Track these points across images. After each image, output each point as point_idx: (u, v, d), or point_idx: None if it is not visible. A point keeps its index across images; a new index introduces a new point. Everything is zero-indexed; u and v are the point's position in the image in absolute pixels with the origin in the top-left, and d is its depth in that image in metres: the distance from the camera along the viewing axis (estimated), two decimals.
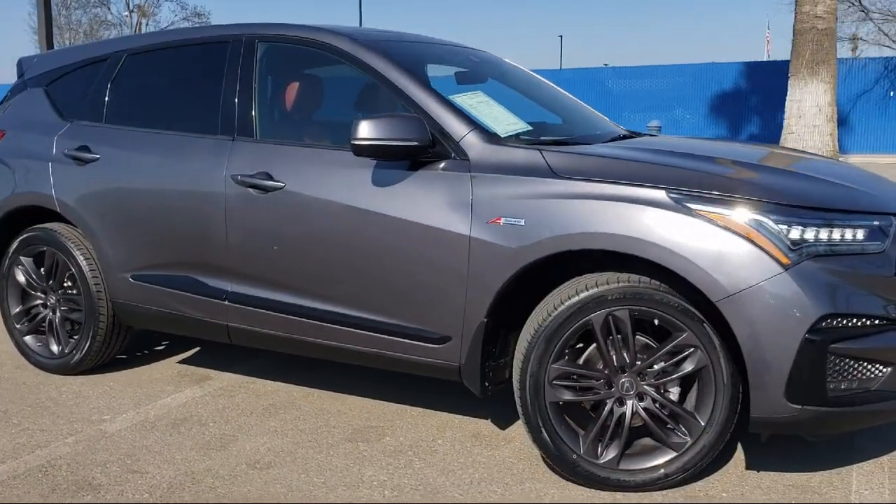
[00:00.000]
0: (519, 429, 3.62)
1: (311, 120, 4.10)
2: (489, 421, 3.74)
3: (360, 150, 3.23)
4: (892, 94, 24.06)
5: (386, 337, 3.42)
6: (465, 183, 3.19)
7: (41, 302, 4.45)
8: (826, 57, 7.75)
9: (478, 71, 4.29)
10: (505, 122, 3.48)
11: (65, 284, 4.35)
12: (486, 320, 3.18)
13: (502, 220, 3.10)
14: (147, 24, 39.03)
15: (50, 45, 11.30)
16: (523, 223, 3.05)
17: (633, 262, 2.95)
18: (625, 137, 4.00)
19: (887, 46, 27.98)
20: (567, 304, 2.97)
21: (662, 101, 26.98)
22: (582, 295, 2.96)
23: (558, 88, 4.49)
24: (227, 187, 3.69)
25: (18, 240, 4.40)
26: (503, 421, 3.72)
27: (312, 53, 3.76)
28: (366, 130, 3.19)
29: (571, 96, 4.48)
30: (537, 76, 4.53)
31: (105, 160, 4.09)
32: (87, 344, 4.24)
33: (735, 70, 26.26)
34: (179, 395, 4.09)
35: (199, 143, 3.85)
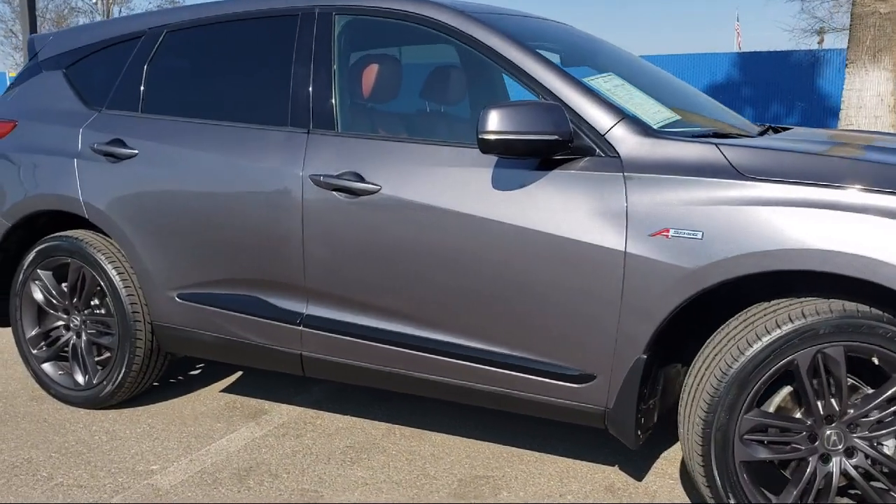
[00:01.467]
0: (659, 480, 3.02)
1: (405, 109, 3.47)
2: (617, 468, 3.14)
3: (489, 146, 2.60)
4: None
5: (510, 373, 2.81)
6: (617, 186, 2.59)
7: (63, 323, 3.77)
8: (889, 43, 7.23)
9: (584, 50, 3.66)
10: (650, 110, 2.87)
11: (92, 303, 3.68)
12: (644, 356, 2.57)
13: (671, 233, 2.50)
14: (120, 11, 37.76)
15: (34, 30, 10.48)
16: (701, 236, 2.45)
17: (832, 284, 2.38)
18: (772, 130, 3.40)
19: None
20: (766, 339, 2.38)
21: None
22: (786, 328, 2.37)
23: (663, 71, 3.88)
24: (306, 190, 3.04)
25: (35, 250, 3.71)
26: (633, 468, 3.13)
27: (406, 29, 3.12)
28: (498, 121, 2.57)
29: (679, 80, 3.87)
30: (639, 57, 3.91)
31: (145, 157, 3.41)
32: (121, 374, 3.57)
33: (727, 60, 25.84)
34: (236, 437, 3.44)
35: (265, 136, 3.20)
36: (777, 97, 23.45)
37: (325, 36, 3.18)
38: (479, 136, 2.59)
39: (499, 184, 2.74)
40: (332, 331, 3.10)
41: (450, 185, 2.82)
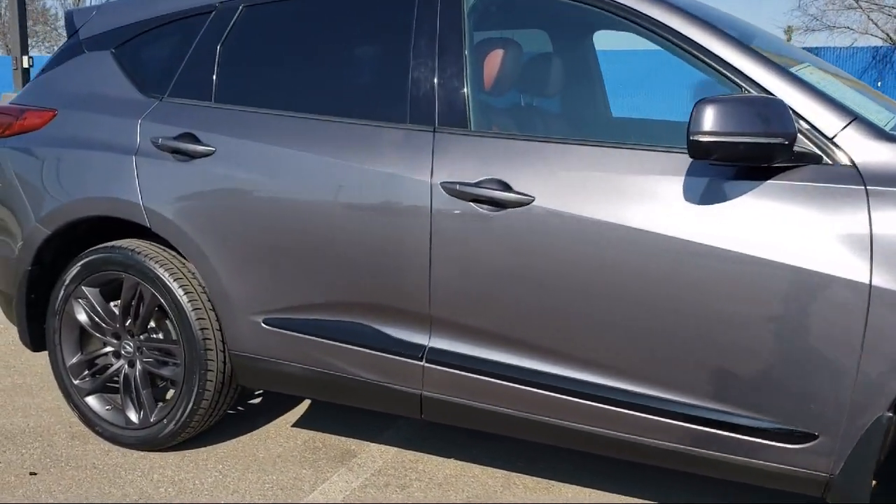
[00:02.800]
0: None
1: (555, 103, 2.93)
2: None
3: (702, 150, 2.10)
4: (878, 84, 23.68)
5: (697, 428, 2.32)
6: (857, 203, 2.10)
7: (112, 350, 3.20)
8: None
9: (750, 34, 3.14)
10: (870, 109, 2.38)
11: (150, 326, 3.10)
12: (891, 415, 2.08)
13: None
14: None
15: (23, 19, 9.72)
16: None
17: None
18: None
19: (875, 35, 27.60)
20: None
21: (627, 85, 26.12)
22: None
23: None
24: (436, 200, 2.51)
25: (80, 264, 3.13)
26: None
27: (560, 7, 2.58)
28: (715, 119, 2.08)
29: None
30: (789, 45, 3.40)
31: (224, 155, 2.85)
32: (187, 410, 3.01)
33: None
34: (329, 488, 2.90)
35: (378, 135, 2.66)
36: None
37: (454, 13, 2.64)
38: (692, 138, 2.08)
39: (698, 196, 2.23)
40: (463, 368, 2.58)
41: (628, 196, 2.31)
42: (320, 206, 2.70)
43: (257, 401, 3.69)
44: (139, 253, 3.02)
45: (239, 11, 3.01)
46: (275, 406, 3.61)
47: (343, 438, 3.29)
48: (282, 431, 3.36)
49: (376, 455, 3.16)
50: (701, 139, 2.08)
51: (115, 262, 3.06)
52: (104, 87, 3.19)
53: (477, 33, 2.71)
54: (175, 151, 2.92)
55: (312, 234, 2.72)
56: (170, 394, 3.15)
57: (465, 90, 2.59)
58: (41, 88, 3.39)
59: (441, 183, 2.51)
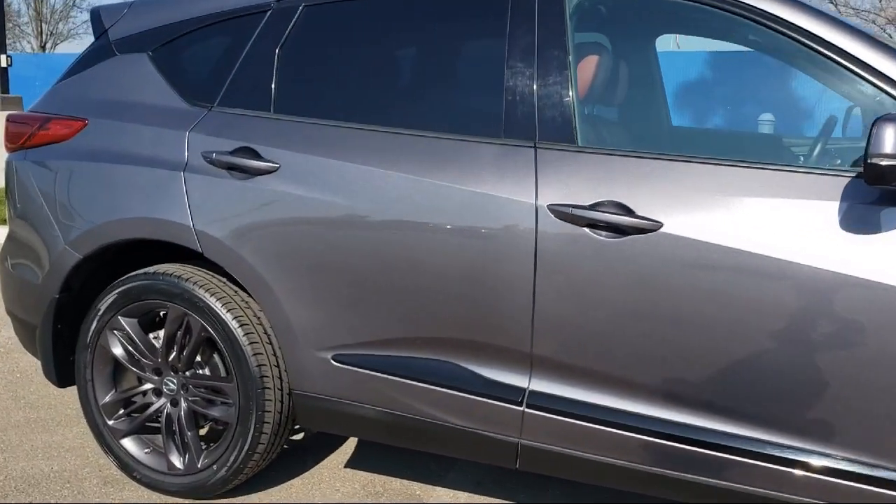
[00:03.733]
0: None
1: (661, 115, 2.65)
2: None
3: (881, 175, 1.84)
4: None
5: (876, 490, 2.05)
6: None
7: (152, 387, 2.86)
8: None
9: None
10: None
11: (197, 361, 2.78)
12: None
13: None
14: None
15: (0, 8, 9.25)
16: None
17: None
18: None
19: None
20: None
21: None
22: None
23: None
24: (542, 225, 2.23)
25: (117, 292, 2.80)
26: None
27: (679, 9, 2.32)
28: None
29: None
30: None
31: (290, 172, 2.54)
32: (241, 454, 2.70)
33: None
34: None
35: (468, 151, 2.37)
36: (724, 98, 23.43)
37: (554, 14, 2.37)
38: (871, 161, 1.83)
39: (861, 223, 1.98)
40: (568, 414, 2.30)
41: (774, 223, 2.04)
42: (403, 230, 2.41)
43: (299, 437, 3.38)
44: (187, 280, 2.70)
45: (299, 11, 2.70)
46: (320, 443, 3.30)
47: (405, 482, 2.99)
48: (336, 474, 3.05)
49: (447, 501, 2.86)
50: (882, 163, 1.82)
51: (158, 291, 2.74)
52: (142, 94, 2.87)
53: (577, 35, 2.43)
54: (232, 167, 2.61)
55: (394, 261, 2.43)
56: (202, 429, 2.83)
57: (571, 101, 2.32)
58: (65, 95, 3.05)
59: (549, 205, 2.23)
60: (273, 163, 2.56)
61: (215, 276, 2.75)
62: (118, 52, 2.98)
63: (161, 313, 2.82)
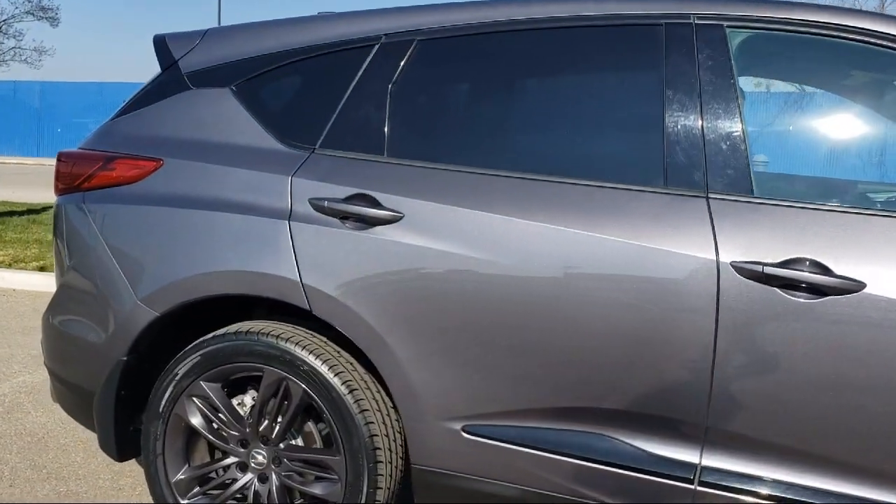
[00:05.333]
0: None
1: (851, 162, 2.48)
2: None
3: None
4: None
5: None
6: None
7: (236, 460, 2.54)
8: None
9: None
10: None
11: (293, 430, 2.48)
12: None
13: None
14: None
15: None
16: None
17: None
18: None
19: None
20: None
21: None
22: None
23: None
24: (725, 284, 2.03)
25: (200, 353, 2.48)
26: None
27: (842, 50, 2.17)
28: None
29: None
30: None
31: (415, 222, 2.29)
32: None
33: None
34: None
35: (625, 200, 2.18)
36: None
37: (718, 55, 2.19)
38: None
39: None
40: (750, 493, 2.08)
41: None
42: (550, 288, 2.18)
43: None
44: (287, 340, 2.40)
45: (413, 46, 2.46)
46: None
47: None
48: None
49: None
50: None
51: (252, 352, 2.43)
52: (227, 133, 2.58)
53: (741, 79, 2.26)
54: (346, 216, 2.34)
55: (539, 323, 2.19)
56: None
57: (744, 149, 2.13)
58: (126, 132, 2.73)
59: (732, 262, 2.03)
60: (395, 212, 2.30)
61: (315, 335, 2.46)
62: (193, 85, 2.69)
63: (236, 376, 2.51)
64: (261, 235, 2.40)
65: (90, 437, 3.63)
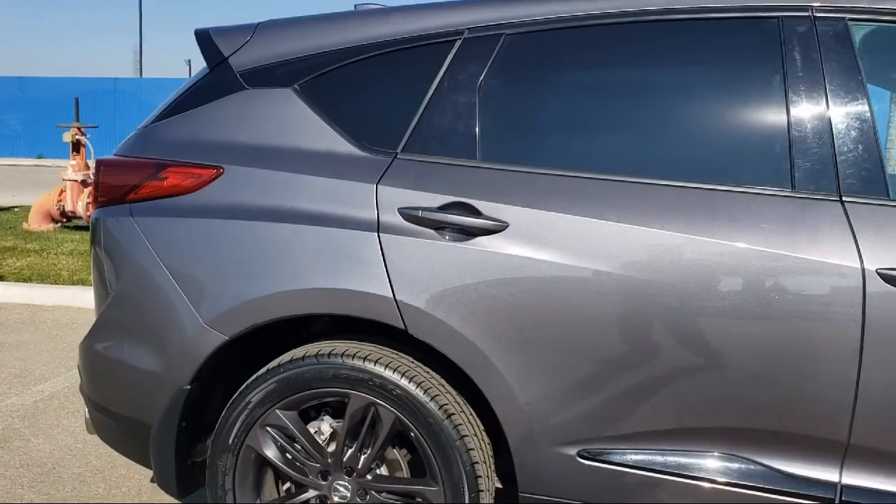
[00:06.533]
0: None
1: None
2: None
3: None
4: None
5: None
6: None
7: (315, 494, 2.33)
8: None
9: None
10: None
11: (379, 458, 2.29)
12: None
13: None
14: None
15: None
16: None
17: None
18: None
19: None
20: None
21: None
22: None
23: None
24: (872, 292, 1.92)
25: (275, 379, 2.27)
26: None
27: None
28: None
29: None
30: None
31: (522, 231, 2.12)
32: None
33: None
34: None
35: (750, 203, 2.03)
36: None
37: (842, 50, 2.07)
38: None
39: None
40: None
41: None
42: (675, 301, 2.03)
43: None
44: (376, 362, 2.21)
45: (501, 41, 2.29)
46: None
47: None
48: None
49: None
50: None
51: (335, 377, 2.23)
52: (294, 138, 2.37)
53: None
54: (442, 227, 2.15)
55: (664, 339, 2.04)
56: None
57: (877, 148, 2.02)
58: (172, 138, 2.49)
59: (878, 270, 1.92)
60: (498, 221, 2.12)
61: (402, 355, 2.27)
62: (249, 85, 2.46)
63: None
64: (346, 249, 2.20)
65: (105, 466, 3.38)
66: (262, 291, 2.24)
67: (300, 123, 2.37)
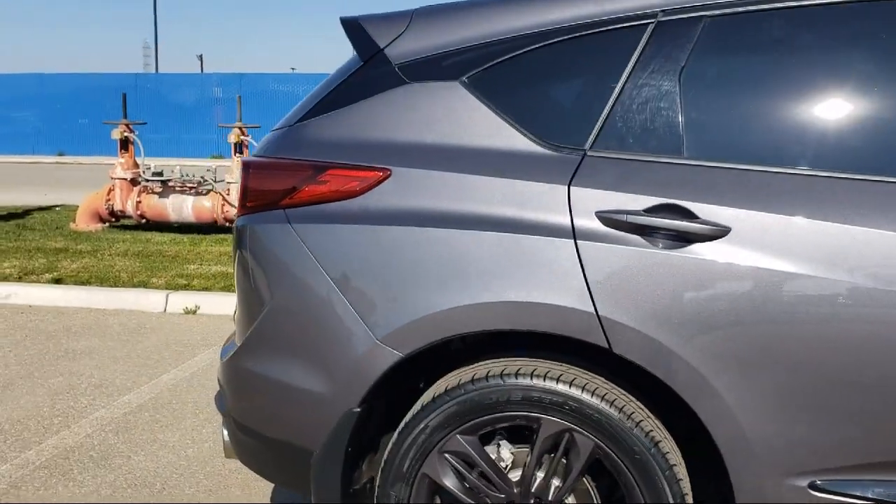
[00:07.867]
0: None
1: None
2: None
3: None
4: None
5: None
6: None
7: None
8: None
9: None
10: None
11: (556, 486, 2.07)
12: None
13: None
14: None
15: None
16: None
17: None
18: None
19: None
20: None
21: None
22: None
23: None
24: None
25: (456, 401, 2.06)
26: None
27: None
28: None
29: None
30: None
31: (746, 238, 1.91)
32: None
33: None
34: None
35: None
36: None
37: None
38: None
39: None
40: None
41: None
42: None
43: None
44: (570, 384, 1.99)
45: (702, 25, 2.05)
46: None
47: None
48: None
49: None
50: None
51: (525, 399, 2.01)
52: (465, 136, 2.15)
53: None
54: (650, 232, 1.92)
55: None
56: None
57: None
58: (327, 136, 2.27)
59: None
60: (717, 226, 1.90)
61: (595, 376, 2.05)
62: (409, 79, 2.24)
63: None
64: (536, 258, 1.98)
65: (217, 486, 3.19)
66: (445, 305, 2.03)
67: (471, 119, 2.15)
